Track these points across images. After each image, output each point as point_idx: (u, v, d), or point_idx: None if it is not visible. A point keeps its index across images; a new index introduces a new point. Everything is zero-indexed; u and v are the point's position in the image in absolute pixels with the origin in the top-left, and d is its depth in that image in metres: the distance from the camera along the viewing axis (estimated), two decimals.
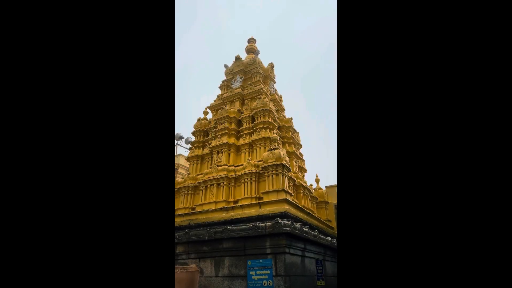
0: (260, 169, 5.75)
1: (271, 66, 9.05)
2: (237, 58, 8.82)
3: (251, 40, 9.86)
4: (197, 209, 6.00)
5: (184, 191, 6.60)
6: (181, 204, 6.54)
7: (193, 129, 7.95)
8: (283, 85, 49.25)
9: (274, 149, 5.77)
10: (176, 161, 10.28)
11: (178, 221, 5.88)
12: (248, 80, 8.45)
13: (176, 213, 6.36)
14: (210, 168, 6.54)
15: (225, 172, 6.14)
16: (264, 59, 9.91)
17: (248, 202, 5.45)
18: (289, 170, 5.72)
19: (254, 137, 6.71)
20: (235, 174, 6.14)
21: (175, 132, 12.17)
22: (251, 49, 9.63)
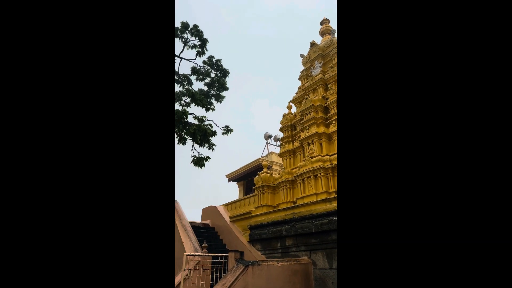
0: None
1: None
2: (312, 44, 8.45)
3: (324, 21, 9.26)
4: (299, 202, 6.04)
5: (283, 186, 6.78)
6: (281, 199, 6.74)
7: (280, 126, 8.09)
8: None
9: None
10: (269, 159, 10.73)
11: (282, 215, 6.08)
12: (328, 64, 7.95)
13: (279, 207, 6.60)
14: (304, 160, 6.48)
15: (320, 163, 5.96)
16: None
17: None
18: None
19: None
20: (331, 164, 5.86)
21: (264, 132, 12.73)
22: (326, 31, 9.04)
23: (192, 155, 7.37)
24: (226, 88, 8.90)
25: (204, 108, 7.86)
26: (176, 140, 6.99)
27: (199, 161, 7.22)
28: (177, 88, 8.45)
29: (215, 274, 5.09)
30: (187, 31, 7.93)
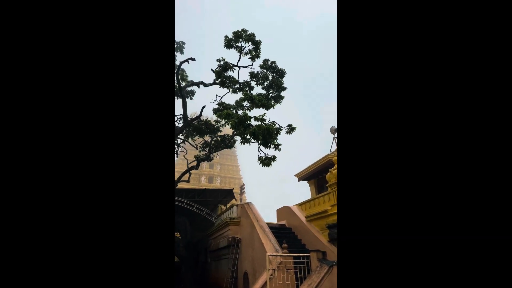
0: None
1: None
2: None
3: None
4: None
5: None
6: None
7: None
8: None
9: None
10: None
11: None
12: None
13: None
14: None
15: None
16: None
17: None
18: None
19: None
20: None
21: (331, 126, 12.17)
22: None
23: (259, 156, 7.56)
24: (283, 89, 8.87)
25: (264, 108, 7.99)
26: (239, 141, 7.29)
27: (266, 161, 7.35)
28: (240, 95, 8.86)
29: (299, 274, 5.02)
30: (240, 39, 8.24)
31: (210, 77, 9.24)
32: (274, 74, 8.81)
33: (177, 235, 12.90)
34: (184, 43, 11.06)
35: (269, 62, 8.76)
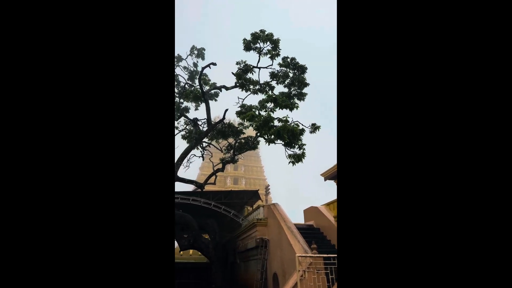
0: None
1: None
2: None
3: None
4: None
5: None
6: None
7: None
8: None
9: None
10: None
11: None
12: None
13: None
14: None
15: None
16: None
17: None
18: None
19: None
20: None
21: None
22: None
23: (287, 155, 7.46)
24: (306, 85, 8.70)
25: (288, 109, 7.88)
26: (264, 142, 7.24)
27: (295, 157, 7.23)
28: (261, 96, 8.84)
29: (330, 276, 4.86)
30: (258, 41, 8.23)
31: (219, 79, 9.40)
32: (295, 71, 8.67)
33: (206, 236, 13.17)
34: (204, 49, 11.30)
35: (288, 59, 8.64)
